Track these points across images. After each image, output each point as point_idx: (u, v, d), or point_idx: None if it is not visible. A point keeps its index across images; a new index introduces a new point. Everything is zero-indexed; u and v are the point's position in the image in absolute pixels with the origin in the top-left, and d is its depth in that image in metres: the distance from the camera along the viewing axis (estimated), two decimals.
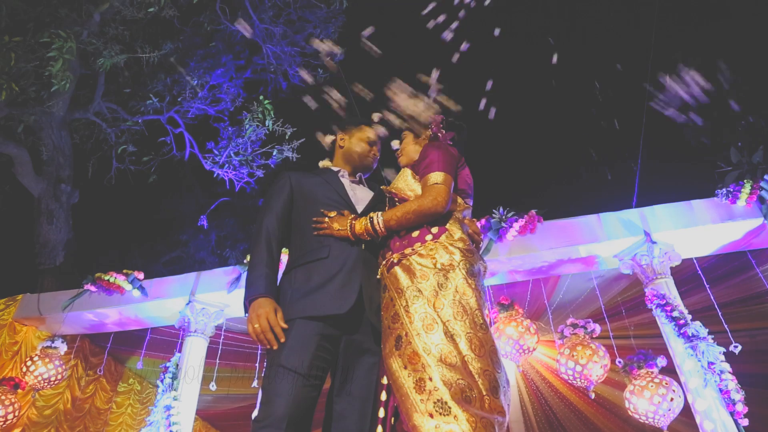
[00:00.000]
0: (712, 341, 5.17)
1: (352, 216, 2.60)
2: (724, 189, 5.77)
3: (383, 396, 2.29)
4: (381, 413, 2.27)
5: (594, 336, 5.92)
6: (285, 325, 2.31)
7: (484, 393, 2.04)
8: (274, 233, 2.58)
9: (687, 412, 5.37)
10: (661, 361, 5.58)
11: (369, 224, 2.53)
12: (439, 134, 2.86)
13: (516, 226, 6.09)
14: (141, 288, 6.95)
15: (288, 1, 10.14)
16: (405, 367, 2.14)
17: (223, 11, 10.26)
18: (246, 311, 2.44)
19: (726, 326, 5.57)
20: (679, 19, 11.93)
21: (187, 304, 6.81)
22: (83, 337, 8.12)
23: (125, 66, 9.95)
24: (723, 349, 5.15)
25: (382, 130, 3.05)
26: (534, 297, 7.39)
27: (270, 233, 2.57)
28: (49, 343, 6.84)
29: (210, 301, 6.87)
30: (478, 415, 1.99)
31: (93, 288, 7.08)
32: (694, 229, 5.80)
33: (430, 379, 2.06)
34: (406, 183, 2.69)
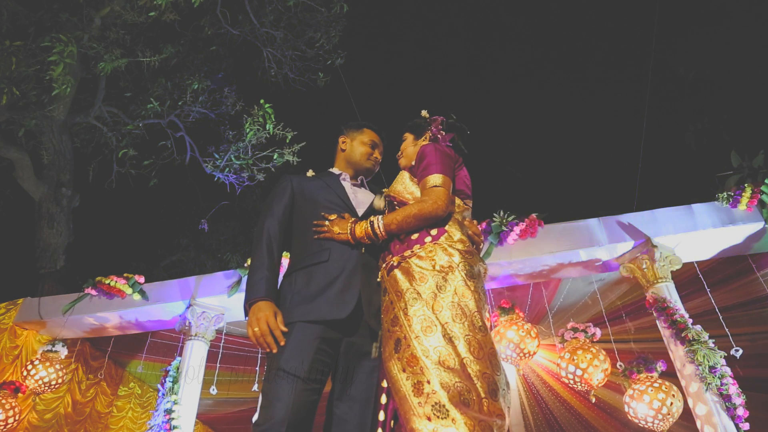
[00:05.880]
0: (713, 345, 5.16)
1: (353, 219, 2.61)
2: (724, 193, 5.78)
3: (383, 399, 2.28)
4: (381, 416, 2.26)
5: (594, 340, 5.91)
6: (285, 329, 2.31)
7: (483, 396, 2.04)
8: (275, 236, 2.59)
9: (688, 416, 5.36)
10: (661, 366, 5.57)
11: (369, 228, 2.53)
12: (438, 135, 2.87)
13: (517, 229, 6.09)
14: (141, 292, 6.95)
15: (289, 6, 10.15)
16: (404, 370, 2.14)
17: (223, 15, 10.28)
18: (246, 314, 2.44)
19: (727, 330, 5.56)
20: (680, 22, 11.96)
21: (188, 307, 6.80)
22: (84, 341, 8.11)
23: (126, 70, 9.96)
24: (724, 353, 5.14)
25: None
26: (535, 301, 7.38)
27: (271, 236, 2.58)
28: (49, 347, 6.83)
29: (210, 304, 6.87)
30: (477, 418, 1.98)
31: (94, 292, 7.07)
32: (694, 233, 5.79)
33: (429, 382, 2.05)
34: (404, 186, 2.69)
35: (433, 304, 2.24)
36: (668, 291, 5.70)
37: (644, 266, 5.85)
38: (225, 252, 13.04)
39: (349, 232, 2.55)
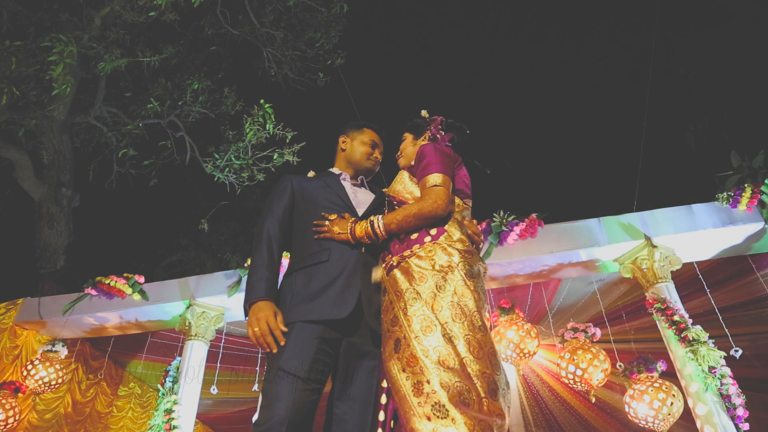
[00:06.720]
0: (713, 345, 5.16)
1: (353, 219, 2.61)
2: (724, 193, 5.77)
3: (383, 399, 2.28)
4: (381, 416, 2.26)
5: (595, 340, 5.91)
6: (285, 329, 2.31)
7: (483, 395, 2.04)
8: (275, 236, 2.59)
9: (688, 416, 5.35)
10: (661, 366, 5.57)
11: (369, 228, 2.53)
12: (437, 135, 2.87)
13: (517, 229, 6.08)
14: (141, 292, 6.95)
15: (289, 6, 10.15)
16: (403, 370, 2.14)
17: (223, 15, 10.27)
18: (246, 314, 2.44)
19: (726, 330, 5.56)
20: (680, 22, 11.96)
21: (188, 307, 6.80)
22: (84, 341, 8.11)
23: (126, 70, 9.96)
24: (724, 354, 5.14)
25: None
26: (535, 301, 7.38)
27: (271, 236, 2.58)
28: (49, 347, 6.83)
29: (210, 304, 6.87)
30: (477, 417, 1.98)
31: (93, 292, 7.07)
32: (694, 233, 5.79)
33: (428, 382, 2.05)
34: (403, 185, 2.69)
35: (432, 303, 2.24)
36: (668, 291, 5.70)
37: (644, 266, 5.85)
38: (225, 252, 13.04)
39: (349, 231, 2.55)
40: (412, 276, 2.34)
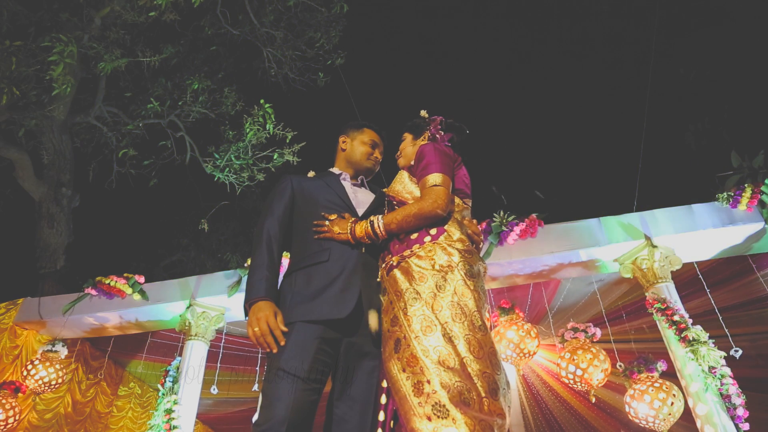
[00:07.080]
0: (713, 345, 5.16)
1: (353, 219, 2.61)
2: (724, 193, 5.76)
3: (383, 399, 2.28)
4: (381, 416, 2.26)
5: (595, 340, 5.91)
6: (285, 329, 2.31)
7: (483, 395, 2.04)
8: (275, 236, 2.59)
9: (688, 416, 5.35)
10: (661, 366, 5.56)
11: (369, 228, 2.53)
12: (437, 135, 2.87)
13: (517, 229, 6.08)
14: (141, 292, 6.94)
15: (289, 6, 10.15)
16: (404, 370, 2.14)
17: (223, 15, 10.27)
18: (246, 314, 2.44)
19: (726, 330, 5.56)
20: (680, 22, 11.95)
21: (188, 307, 6.80)
22: (84, 341, 8.11)
23: (126, 70, 9.96)
24: (724, 354, 5.14)
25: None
26: (535, 301, 7.37)
27: (271, 236, 2.57)
28: (49, 347, 6.83)
29: (210, 304, 6.86)
30: (477, 417, 1.98)
31: (94, 292, 7.07)
32: (694, 234, 5.78)
33: (429, 382, 2.05)
34: (403, 185, 2.69)
35: (432, 303, 2.24)
36: (668, 291, 5.69)
37: (644, 266, 5.85)
38: (225, 252, 13.03)
39: (349, 231, 2.55)
40: (412, 276, 2.34)
